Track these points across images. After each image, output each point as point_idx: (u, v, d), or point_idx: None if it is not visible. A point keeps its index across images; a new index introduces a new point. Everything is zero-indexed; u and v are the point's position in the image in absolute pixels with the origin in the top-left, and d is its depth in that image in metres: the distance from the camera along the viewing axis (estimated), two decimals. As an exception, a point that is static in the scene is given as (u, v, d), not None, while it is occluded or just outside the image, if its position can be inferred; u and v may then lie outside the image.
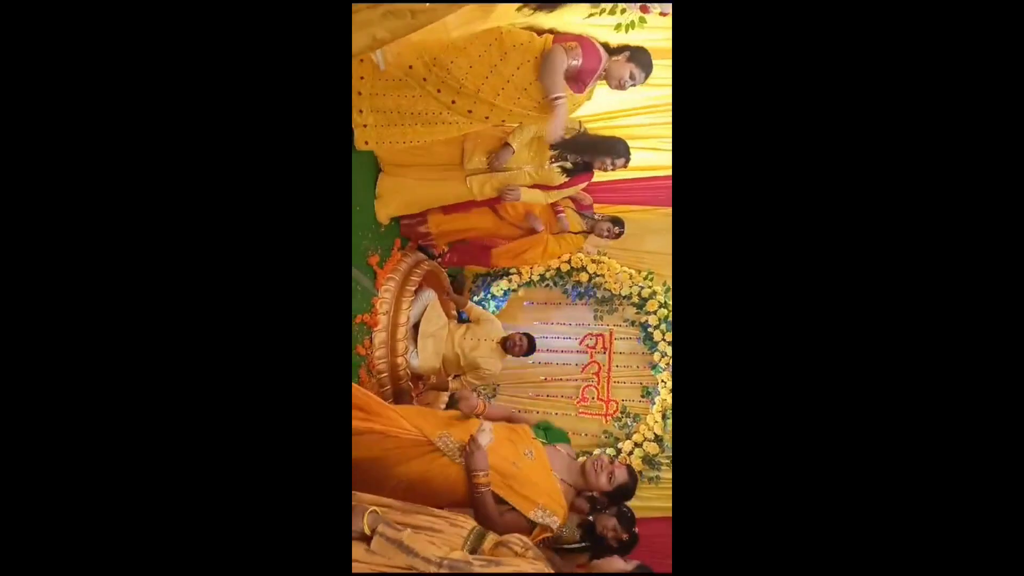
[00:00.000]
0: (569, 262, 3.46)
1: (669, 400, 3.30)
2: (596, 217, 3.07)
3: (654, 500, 3.21)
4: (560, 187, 2.77)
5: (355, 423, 1.72)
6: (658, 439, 3.24)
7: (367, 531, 1.18)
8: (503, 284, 3.59)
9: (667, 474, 3.24)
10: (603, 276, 3.49)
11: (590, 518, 1.98)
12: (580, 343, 3.56)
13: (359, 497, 1.36)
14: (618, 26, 2.78)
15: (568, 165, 2.66)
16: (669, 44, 2.69)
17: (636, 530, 1.94)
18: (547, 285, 3.60)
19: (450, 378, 3.08)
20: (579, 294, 3.58)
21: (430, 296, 3.06)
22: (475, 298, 3.60)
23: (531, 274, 3.55)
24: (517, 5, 2.28)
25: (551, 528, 1.69)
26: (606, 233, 3.03)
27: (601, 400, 3.46)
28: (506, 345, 2.96)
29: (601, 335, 3.55)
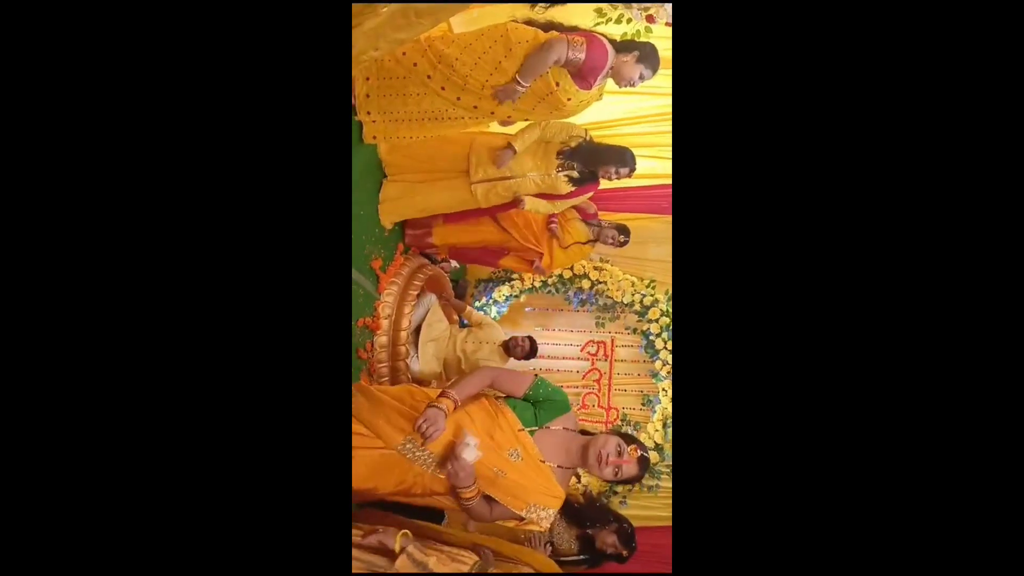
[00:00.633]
0: (571, 268, 3.46)
1: (669, 409, 3.29)
2: (602, 224, 3.07)
3: (654, 509, 3.20)
4: (566, 196, 2.78)
5: None
6: (658, 448, 3.23)
7: (396, 549, 1.30)
8: (505, 290, 3.59)
9: (667, 483, 3.22)
10: (605, 283, 3.49)
11: (588, 531, 1.98)
12: (581, 350, 3.56)
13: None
14: (623, 35, 2.79)
15: (575, 174, 2.66)
16: (669, 54, 2.71)
17: (635, 544, 1.94)
18: (549, 291, 3.60)
19: (449, 384, 3.07)
20: (581, 301, 3.58)
21: (432, 300, 3.06)
22: (477, 303, 3.60)
23: (533, 280, 3.56)
24: (530, 4, 2.28)
25: (542, 524, 1.56)
26: (611, 240, 3.03)
27: (602, 407, 3.46)
28: (508, 347, 2.96)
29: (603, 342, 3.55)
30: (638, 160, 2.75)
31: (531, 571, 1.51)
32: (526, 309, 3.69)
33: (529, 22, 2.31)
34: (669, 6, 2.72)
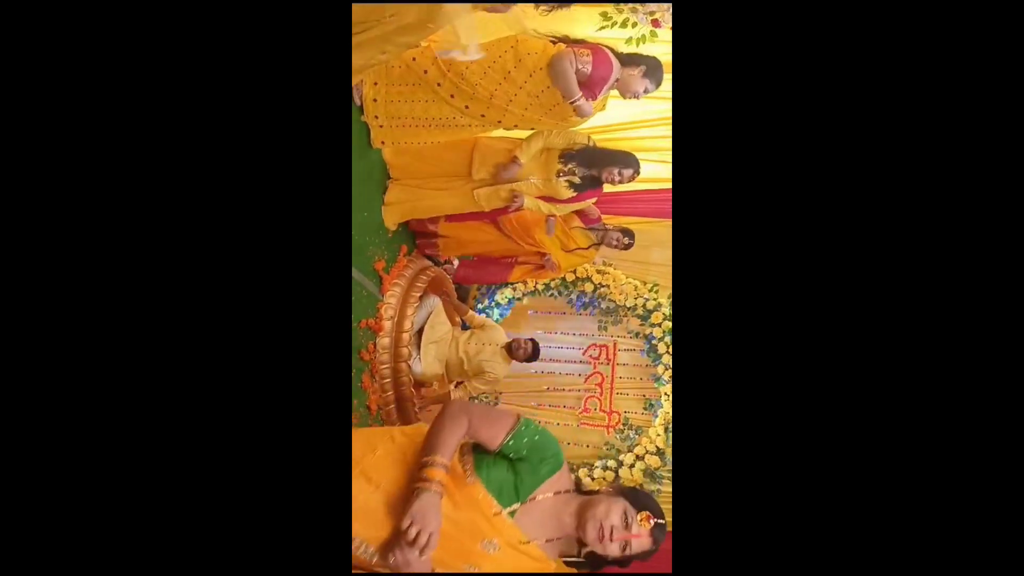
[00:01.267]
0: (574, 272, 3.47)
1: (671, 413, 3.28)
2: (606, 228, 3.07)
3: (655, 514, 3.18)
4: (568, 201, 2.78)
5: None
6: (660, 452, 3.23)
7: None
8: (507, 292, 3.60)
9: (668, 488, 3.22)
10: (608, 287, 3.49)
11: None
12: (584, 353, 3.56)
13: None
14: (629, 39, 2.80)
15: (576, 180, 2.67)
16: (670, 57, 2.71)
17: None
18: (552, 294, 3.60)
19: (452, 385, 3.08)
20: (584, 304, 3.58)
21: (434, 302, 3.06)
22: (480, 306, 3.60)
23: (536, 283, 3.56)
24: (534, 4, 2.31)
25: None
26: (615, 243, 3.03)
27: (603, 411, 3.45)
28: (511, 349, 2.96)
29: (605, 346, 3.55)
30: (645, 164, 2.76)
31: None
32: (529, 312, 3.69)
33: (539, 36, 2.34)
34: (669, 8, 2.73)
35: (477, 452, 1.21)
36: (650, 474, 3.22)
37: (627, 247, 3.04)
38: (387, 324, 2.72)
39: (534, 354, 3.00)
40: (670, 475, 3.22)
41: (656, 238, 3.41)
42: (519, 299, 3.62)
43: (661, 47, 2.81)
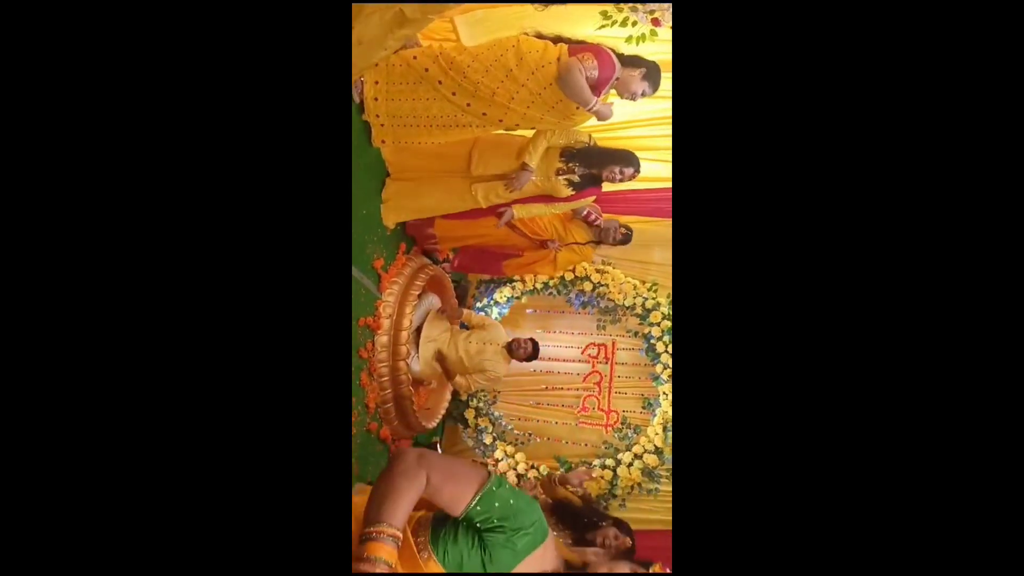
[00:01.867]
0: (573, 271, 3.46)
1: (670, 412, 3.28)
2: (604, 224, 3.07)
3: (654, 513, 3.19)
4: (567, 200, 2.78)
5: None
6: (658, 451, 3.23)
7: None
8: (506, 291, 3.59)
9: (667, 487, 3.22)
10: (607, 286, 3.49)
11: (587, 536, 1.97)
12: (582, 352, 3.56)
13: None
14: (629, 38, 2.79)
15: (575, 178, 2.67)
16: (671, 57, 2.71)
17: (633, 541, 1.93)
18: (551, 293, 3.60)
19: (456, 376, 3.06)
20: (583, 303, 3.58)
21: (433, 301, 3.06)
22: (478, 304, 3.60)
23: (535, 282, 3.55)
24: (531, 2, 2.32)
25: None
26: (613, 234, 3.03)
27: (602, 410, 3.45)
28: (511, 349, 2.96)
29: (604, 345, 3.54)
30: (645, 164, 2.76)
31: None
32: (527, 311, 3.69)
33: (539, 36, 2.34)
34: (669, 8, 2.73)
35: (436, 521, 0.95)
36: (648, 473, 3.22)
37: (625, 236, 3.05)
38: (385, 322, 2.72)
39: (534, 353, 3.00)
40: (668, 474, 3.22)
41: (655, 237, 3.41)
42: (518, 298, 3.62)
43: (661, 46, 2.81)
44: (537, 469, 3.33)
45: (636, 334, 3.48)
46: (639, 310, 3.43)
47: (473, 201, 2.73)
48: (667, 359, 3.35)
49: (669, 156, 3.26)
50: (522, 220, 2.91)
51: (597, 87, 2.29)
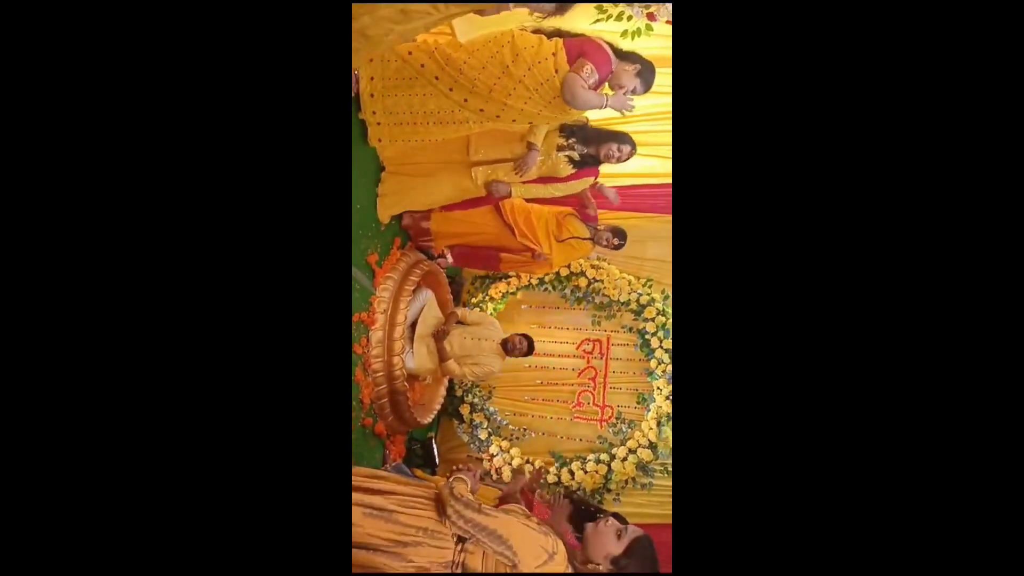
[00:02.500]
0: (568, 266, 3.46)
1: (664, 407, 3.30)
2: (598, 228, 3.08)
3: (649, 507, 3.20)
4: (567, 179, 2.77)
5: None
6: (652, 446, 3.24)
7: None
8: (501, 287, 3.59)
9: (661, 481, 3.23)
10: (602, 281, 3.50)
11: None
12: (577, 347, 3.56)
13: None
14: (624, 32, 2.79)
15: (575, 155, 2.67)
16: (669, 52, 2.71)
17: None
18: (546, 289, 3.60)
19: (449, 360, 3.02)
20: (578, 299, 3.58)
21: (428, 296, 3.05)
22: (473, 300, 3.59)
23: (530, 277, 3.55)
24: (527, 11, 2.31)
25: None
26: (604, 243, 3.03)
27: (597, 406, 3.46)
28: (506, 347, 2.96)
29: (598, 340, 3.55)
30: (639, 159, 2.76)
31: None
32: (523, 306, 3.69)
33: (536, 30, 2.33)
34: (669, 4, 2.73)
35: None
36: (642, 467, 3.23)
37: (617, 247, 3.05)
38: (380, 318, 2.71)
39: (529, 350, 2.99)
40: (662, 469, 3.24)
41: (650, 233, 3.41)
42: (513, 293, 3.62)
43: (656, 41, 2.81)
44: (532, 464, 3.34)
45: (631, 330, 3.49)
46: (634, 306, 3.44)
47: (472, 187, 2.72)
48: (661, 354, 3.36)
49: (663, 152, 3.26)
50: (515, 217, 2.91)
51: (599, 86, 2.30)
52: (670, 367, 3.35)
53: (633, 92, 2.35)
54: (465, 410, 3.48)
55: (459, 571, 1.33)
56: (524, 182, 2.76)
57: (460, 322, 3.07)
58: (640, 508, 3.18)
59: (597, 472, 3.24)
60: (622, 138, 2.67)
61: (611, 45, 2.31)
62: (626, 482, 3.23)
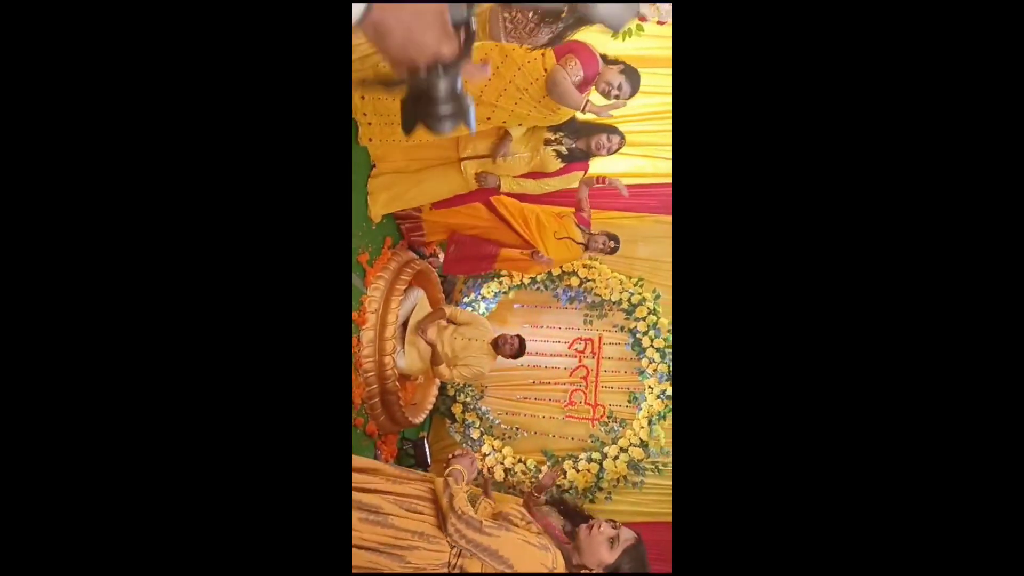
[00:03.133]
0: (560, 266, 3.47)
1: (655, 406, 3.31)
2: (594, 233, 3.08)
3: (640, 505, 3.22)
4: (556, 173, 2.78)
5: None
6: (643, 444, 3.25)
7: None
8: (493, 286, 3.59)
9: (652, 479, 3.25)
10: (594, 281, 3.51)
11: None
12: (569, 347, 3.57)
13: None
14: (614, 33, 2.80)
15: (563, 149, 2.68)
16: (666, 53, 2.72)
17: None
18: (538, 288, 3.61)
19: (441, 364, 3.02)
20: (570, 298, 3.59)
21: (419, 295, 3.05)
22: (465, 299, 3.59)
23: (522, 277, 3.56)
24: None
25: None
26: (601, 246, 3.04)
27: (588, 404, 3.47)
28: (497, 346, 2.96)
29: (590, 339, 3.56)
30: (632, 159, 2.77)
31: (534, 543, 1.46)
32: (515, 306, 3.69)
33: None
34: (669, 5, 2.74)
35: None
36: (634, 466, 3.24)
37: (612, 251, 3.05)
38: (371, 317, 2.71)
39: (520, 350, 2.99)
40: (653, 467, 3.25)
41: (641, 233, 3.42)
42: (505, 292, 3.62)
43: (647, 41, 2.82)
44: (524, 463, 3.34)
45: (622, 329, 3.50)
46: (625, 305, 3.45)
47: (462, 183, 2.72)
48: (653, 354, 3.37)
49: (656, 152, 3.27)
50: (510, 211, 2.91)
51: (584, 85, 2.30)
52: (661, 366, 3.36)
53: (618, 90, 2.35)
54: (457, 409, 3.48)
55: (457, 572, 1.34)
56: (516, 176, 2.76)
57: (451, 321, 3.08)
58: (633, 507, 3.20)
59: (589, 471, 3.25)
60: (611, 129, 2.68)
61: (605, 56, 2.34)
62: (618, 480, 3.24)
